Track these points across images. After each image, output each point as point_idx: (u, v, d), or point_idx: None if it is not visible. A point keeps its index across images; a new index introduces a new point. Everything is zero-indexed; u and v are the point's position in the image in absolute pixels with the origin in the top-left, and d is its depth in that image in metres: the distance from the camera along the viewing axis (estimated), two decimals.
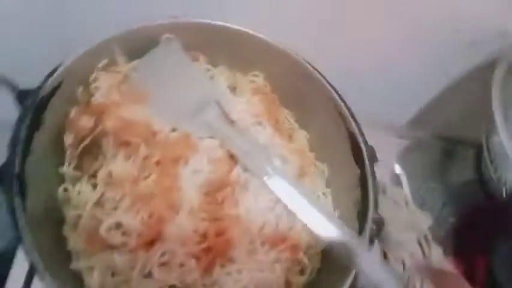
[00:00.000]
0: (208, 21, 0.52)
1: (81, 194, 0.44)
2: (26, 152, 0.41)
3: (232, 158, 0.47)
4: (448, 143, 0.75)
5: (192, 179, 0.45)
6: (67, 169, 0.46)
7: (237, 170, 0.47)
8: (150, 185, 0.43)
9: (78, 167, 0.46)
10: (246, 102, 0.51)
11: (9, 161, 0.39)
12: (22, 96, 0.43)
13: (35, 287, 0.52)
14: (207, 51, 0.54)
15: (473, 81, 0.70)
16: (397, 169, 0.56)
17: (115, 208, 0.43)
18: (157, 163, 0.45)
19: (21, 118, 0.42)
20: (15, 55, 0.47)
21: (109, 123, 0.44)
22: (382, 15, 0.62)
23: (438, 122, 0.78)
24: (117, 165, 0.44)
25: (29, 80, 0.44)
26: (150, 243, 0.42)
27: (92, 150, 0.46)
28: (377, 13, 0.62)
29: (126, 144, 0.44)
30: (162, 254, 0.41)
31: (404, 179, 0.55)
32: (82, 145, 0.45)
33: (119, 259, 0.41)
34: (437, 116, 0.77)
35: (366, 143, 0.50)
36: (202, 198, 0.45)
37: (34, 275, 0.50)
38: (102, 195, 0.43)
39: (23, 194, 0.40)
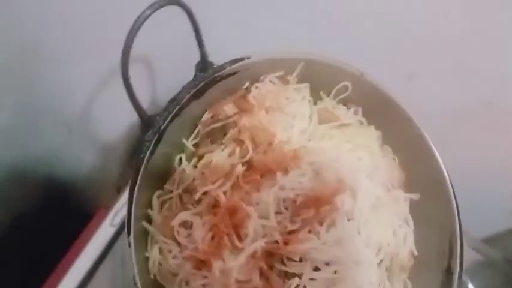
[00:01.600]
0: None
1: (184, 173, 0.46)
2: (178, 112, 0.43)
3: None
4: None
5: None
6: (188, 142, 0.47)
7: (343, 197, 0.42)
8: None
9: (197, 145, 0.47)
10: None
11: (164, 114, 0.41)
12: (204, 64, 0.45)
13: None
14: None
15: None
16: (470, 286, 0.53)
17: (194, 204, 0.44)
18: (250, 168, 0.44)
19: (194, 83, 0.44)
20: None
21: (243, 121, 0.45)
22: None
23: None
24: (219, 156, 0.45)
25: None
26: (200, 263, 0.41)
27: (215, 136, 0.47)
28: None
29: (240, 142, 0.45)
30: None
31: None
32: (212, 126, 0.46)
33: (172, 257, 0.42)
34: None
35: (459, 285, 0.47)
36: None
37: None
38: (193, 181, 0.44)
39: (154, 148, 0.42)
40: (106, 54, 0.59)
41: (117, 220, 0.58)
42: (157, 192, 0.46)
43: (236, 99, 0.49)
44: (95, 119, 0.74)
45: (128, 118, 0.71)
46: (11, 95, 0.67)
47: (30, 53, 0.63)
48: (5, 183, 0.76)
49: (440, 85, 0.55)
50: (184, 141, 0.47)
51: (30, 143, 0.77)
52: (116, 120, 0.73)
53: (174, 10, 0.40)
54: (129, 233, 0.38)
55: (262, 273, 0.41)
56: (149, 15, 0.35)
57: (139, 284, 0.37)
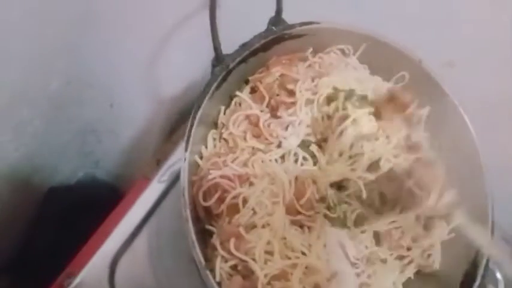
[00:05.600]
0: None
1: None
2: (246, 58, 0.47)
3: None
4: None
5: None
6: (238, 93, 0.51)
7: None
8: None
9: None
10: None
11: (235, 55, 0.45)
12: (277, 20, 0.48)
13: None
14: None
15: None
16: (498, 275, 0.53)
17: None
18: None
19: (265, 34, 0.48)
20: None
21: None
22: None
23: None
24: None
25: None
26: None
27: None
28: None
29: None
30: None
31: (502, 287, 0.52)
32: (249, 86, 0.51)
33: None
34: None
35: (483, 277, 0.47)
36: None
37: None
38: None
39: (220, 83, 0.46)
40: (156, 28, 0.65)
41: (166, 177, 0.60)
42: (212, 131, 0.50)
43: (292, 57, 0.52)
44: (137, 95, 0.78)
45: (169, 96, 0.76)
46: (61, 64, 0.70)
47: (82, 25, 0.67)
48: (40, 152, 0.79)
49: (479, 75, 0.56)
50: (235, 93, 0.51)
51: (71, 114, 0.81)
52: (157, 98, 0.77)
53: None
54: (186, 150, 0.41)
55: None
56: None
57: (186, 196, 0.40)
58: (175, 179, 0.57)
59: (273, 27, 0.48)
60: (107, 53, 0.72)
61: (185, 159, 0.41)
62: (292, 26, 0.49)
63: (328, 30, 0.50)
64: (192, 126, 0.42)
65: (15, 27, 0.58)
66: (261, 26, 0.49)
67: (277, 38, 0.48)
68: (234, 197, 0.45)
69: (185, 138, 0.42)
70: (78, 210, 0.82)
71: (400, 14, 0.56)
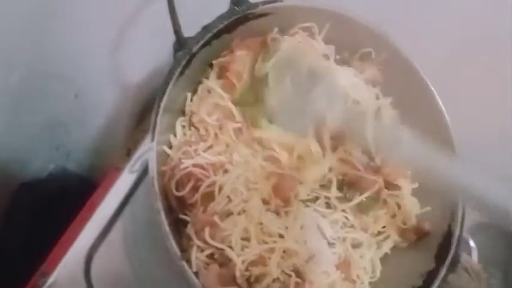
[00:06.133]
0: None
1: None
2: (209, 41, 0.45)
3: None
4: None
5: None
6: (205, 80, 0.50)
7: None
8: None
9: None
10: None
11: (198, 37, 0.43)
12: (237, 2, 0.47)
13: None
14: None
15: None
16: (471, 242, 0.54)
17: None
18: None
19: (228, 15, 0.46)
20: None
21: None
22: None
23: None
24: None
25: None
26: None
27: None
28: None
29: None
30: None
31: (475, 255, 0.53)
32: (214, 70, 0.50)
33: None
34: None
35: (457, 248, 0.49)
36: None
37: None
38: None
39: (184, 68, 0.44)
40: (118, 13, 0.62)
41: (137, 167, 0.57)
42: (180, 119, 0.48)
43: (255, 48, 0.50)
44: (102, 84, 0.75)
45: (135, 83, 0.73)
46: (21, 56, 0.66)
47: (44, 14, 0.62)
48: (7, 147, 0.76)
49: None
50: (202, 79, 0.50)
51: (36, 107, 0.76)
52: (123, 85, 0.75)
53: None
54: (152, 140, 0.40)
55: None
56: None
57: (156, 187, 0.39)
58: (147, 168, 0.55)
59: (236, 7, 0.46)
60: (68, 42, 0.69)
61: (152, 150, 0.40)
62: (255, 5, 0.47)
63: (292, 8, 0.49)
64: (157, 114, 0.40)
65: None
66: (224, 7, 0.47)
67: (240, 18, 0.47)
68: (209, 185, 0.44)
69: (151, 127, 0.40)
70: (51, 204, 0.79)
71: None
